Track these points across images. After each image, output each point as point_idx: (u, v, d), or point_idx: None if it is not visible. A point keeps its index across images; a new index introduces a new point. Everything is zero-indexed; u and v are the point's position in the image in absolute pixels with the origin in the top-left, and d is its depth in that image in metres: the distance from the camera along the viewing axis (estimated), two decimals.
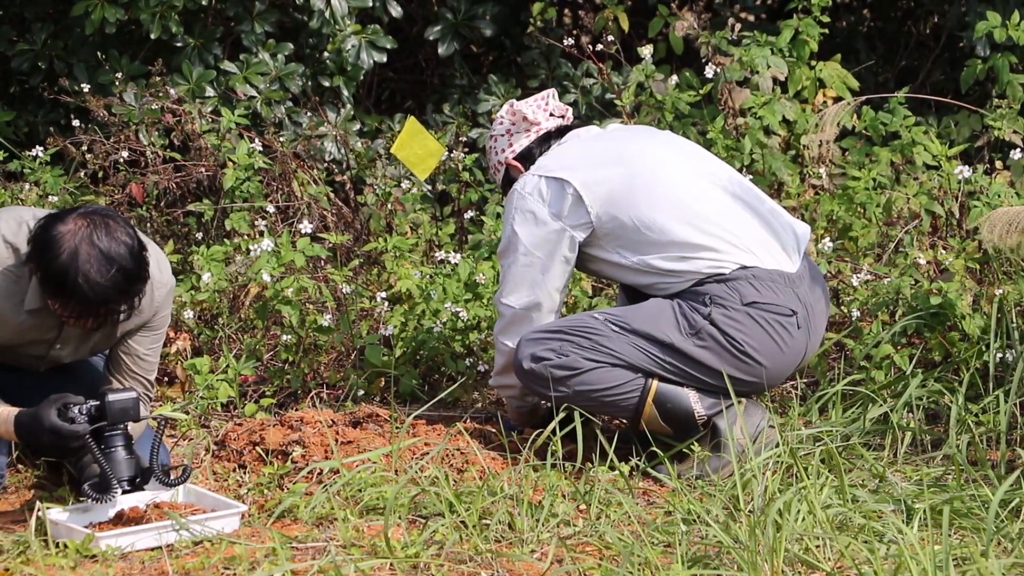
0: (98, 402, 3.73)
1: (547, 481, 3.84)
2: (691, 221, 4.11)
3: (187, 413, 4.51)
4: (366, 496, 3.78)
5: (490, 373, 4.80)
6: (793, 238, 4.18)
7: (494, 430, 4.26)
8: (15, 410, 3.77)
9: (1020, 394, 4.15)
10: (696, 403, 4.08)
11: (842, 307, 4.83)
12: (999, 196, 4.97)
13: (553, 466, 3.92)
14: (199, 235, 5.51)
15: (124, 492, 3.71)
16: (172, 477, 3.79)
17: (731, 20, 5.77)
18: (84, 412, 3.71)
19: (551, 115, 4.30)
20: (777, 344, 4.06)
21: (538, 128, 4.28)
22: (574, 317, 4.20)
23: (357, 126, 6.03)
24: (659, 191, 4.13)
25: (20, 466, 4.06)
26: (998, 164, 5.33)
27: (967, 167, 5.12)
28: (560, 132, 4.31)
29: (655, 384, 4.09)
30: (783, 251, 4.15)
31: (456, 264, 4.99)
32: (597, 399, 4.10)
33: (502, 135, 4.30)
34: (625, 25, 5.96)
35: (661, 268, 4.12)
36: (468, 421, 4.35)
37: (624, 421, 4.23)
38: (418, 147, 4.58)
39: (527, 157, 4.27)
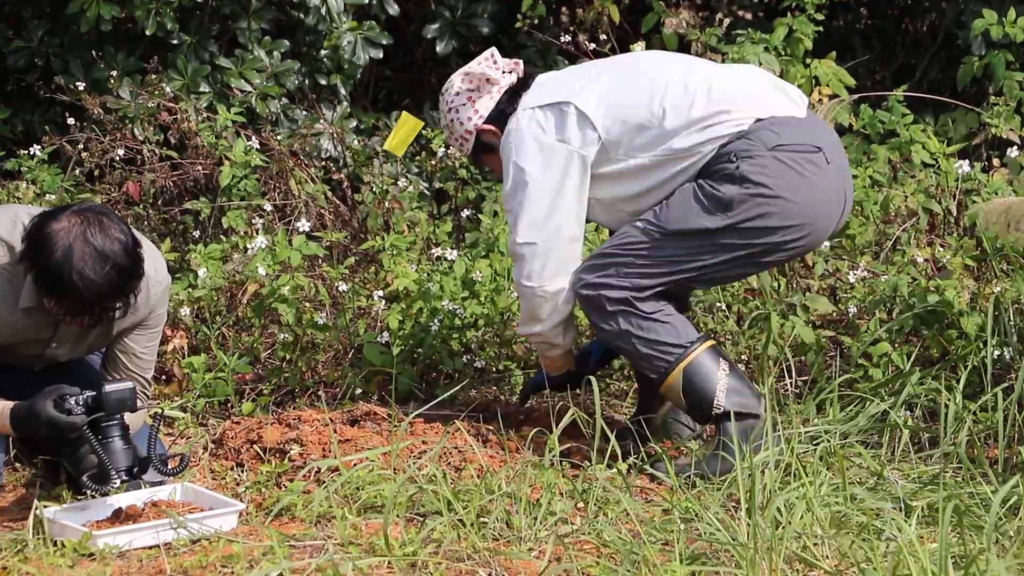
0: (94, 393, 3.73)
1: (545, 479, 3.84)
2: (697, 96, 4.03)
3: (184, 411, 4.53)
4: (364, 494, 3.79)
5: (488, 371, 4.81)
6: (791, 92, 4.14)
7: (491, 428, 4.27)
8: (11, 403, 3.78)
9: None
10: (721, 392, 4.02)
11: (839, 304, 4.85)
12: (997, 193, 4.99)
13: (551, 464, 3.93)
14: (196, 233, 5.53)
15: (123, 482, 3.72)
16: (170, 466, 3.79)
17: (720, 16, 5.78)
18: (81, 403, 3.72)
19: (503, 72, 4.20)
20: (808, 179, 3.99)
21: (499, 87, 4.18)
22: (617, 237, 4.11)
23: (354, 124, 6.06)
24: (656, 82, 4.07)
25: (17, 464, 4.07)
26: (995, 162, 5.36)
27: (965, 164, 5.12)
28: (523, 83, 4.20)
29: (693, 355, 4.03)
30: (790, 101, 4.09)
31: (453, 262, 4.99)
32: (636, 347, 4.07)
33: (463, 104, 4.20)
34: (616, 18, 5.97)
35: (684, 147, 4.03)
36: (466, 419, 4.33)
37: (649, 378, 4.20)
38: (404, 135, 4.52)
39: (498, 118, 4.17)
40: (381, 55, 6.13)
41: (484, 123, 4.17)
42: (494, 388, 4.74)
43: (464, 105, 4.19)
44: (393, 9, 6.16)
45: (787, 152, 3.99)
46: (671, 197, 4.07)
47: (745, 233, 3.99)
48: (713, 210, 3.99)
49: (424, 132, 5.53)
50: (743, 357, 4.78)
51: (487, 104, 4.18)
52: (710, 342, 4.07)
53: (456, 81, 4.20)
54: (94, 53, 5.99)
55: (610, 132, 4.03)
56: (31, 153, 5.65)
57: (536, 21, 6.11)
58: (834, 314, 4.80)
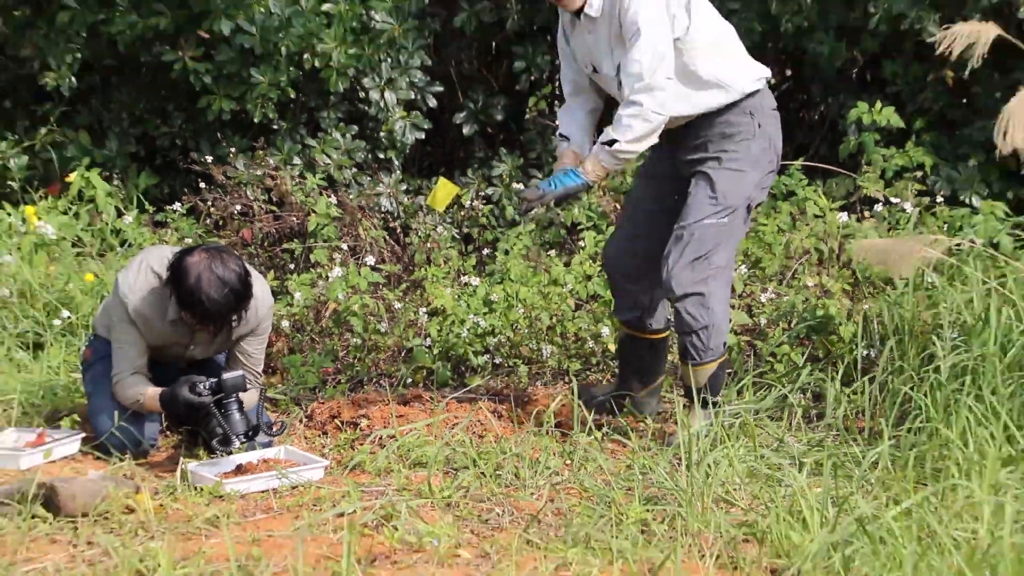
0: (216, 380, 3.80)
1: (542, 444, 3.88)
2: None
3: (285, 395, 4.55)
4: (414, 454, 3.85)
5: (503, 366, 4.77)
6: None
7: (505, 407, 4.27)
8: (158, 389, 3.85)
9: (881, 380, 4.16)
10: (723, 389, 3.97)
11: (754, 318, 4.85)
12: (866, 236, 5.00)
13: (547, 433, 3.96)
14: (292, 266, 5.54)
15: (242, 443, 3.77)
16: (274, 430, 3.89)
17: None
18: (207, 388, 3.79)
19: None
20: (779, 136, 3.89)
21: None
22: (699, 227, 3.77)
23: (404, 186, 6.07)
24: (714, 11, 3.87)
25: (167, 433, 4.13)
26: (866, 214, 5.36)
27: (844, 215, 5.16)
28: None
29: (726, 356, 3.93)
30: None
31: (476, 286, 5.01)
32: (703, 337, 3.83)
33: None
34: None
35: (742, 54, 3.83)
36: (486, 401, 4.36)
37: (633, 367, 4.07)
38: (444, 194, 4.49)
39: None
40: (423, 136, 6.13)
41: None
42: (506, 378, 4.72)
43: None
44: (432, 103, 6.15)
45: (776, 112, 3.91)
46: (732, 172, 3.79)
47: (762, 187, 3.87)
48: (753, 169, 3.80)
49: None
50: None
51: None
52: None
53: None
54: (218, 135, 6.04)
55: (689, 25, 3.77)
56: (174, 208, 5.71)
57: (537, 112, 6.16)
58: (749, 324, 4.81)
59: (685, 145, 3.90)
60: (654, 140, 3.77)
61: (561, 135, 3.98)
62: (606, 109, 4.08)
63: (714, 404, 3.92)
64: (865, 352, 4.39)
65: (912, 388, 3.90)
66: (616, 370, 4.41)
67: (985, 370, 3.77)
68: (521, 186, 5.96)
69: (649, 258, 3.96)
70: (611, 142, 3.73)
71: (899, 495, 3.26)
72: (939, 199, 5.42)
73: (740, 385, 4.32)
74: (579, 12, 3.81)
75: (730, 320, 4.05)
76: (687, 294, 3.81)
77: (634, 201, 4.15)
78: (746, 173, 3.84)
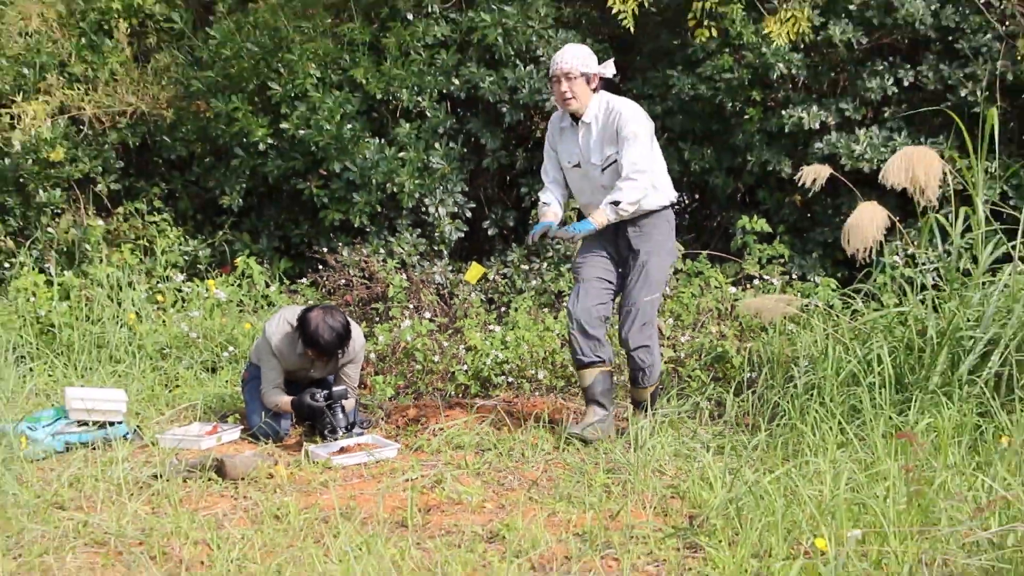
0: (328, 391, 3.79)
1: (539, 433, 3.85)
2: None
3: (372, 401, 4.52)
4: (455, 440, 3.81)
5: (514, 384, 4.72)
6: None
7: (515, 409, 4.21)
8: (290, 398, 3.84)
9: (760, 394, 4.12)
10: (656, 401, 3.92)
11: (676, 352, 4.81)
12: (747, 298, 5.01)
13: (542, 426, 3.93)
14: (377, 319, 5.53)
15: (343, 433, 3.75)
16: (364, 425, 3.86)
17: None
18: (322, 396, 3.77)
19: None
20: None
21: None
22: (646, 301, 3.72)
23: (450, 267, 6.06)
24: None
25: (295, 425, 4.10)
26: (749, 286, 5.39)
27: (734, 287, 5.17)
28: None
29: (659, 382, 3.90)
30: None
31: (496, 332, 4.98)
32: (648, 372, 3.80)
33: (593, 59, 3.73)
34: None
35: (671, 197, 3.83)
36: (503, 406, 4.32)
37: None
38: (475, 273, 4.41)
39: (593, 78, 3.73)
40: (463, 235, 6.11)
41: (594, 72, 3.72)
42: (516, 391, 4.68)
43: (593, 59, 3.72)
44: (468, 214, 6.14)
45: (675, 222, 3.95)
46: (650, 272, 3.75)
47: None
48: (669, 258, 3.78)
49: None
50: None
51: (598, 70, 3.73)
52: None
53: (585, 52, 3.72)
54: (331, 235, 6.01)
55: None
56: (302, 282, 5.70)
57: (536, 221, 6.15)
58: (674, 357, 4.76)
59: (628, 231, 3.92)
60: (637, 206, 3.73)
61: (544, 203, 4.01)
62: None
63: (652, 410, 3.91)
64: (749, 374, 4.38)
65: (779, 397, 3.89)
66: (595, 405, 4.05)
67: (826, 386, 3.76)
68: (525, 265, 5.96)
69: (605, 310, 3.98)
70: (615, 202, 3.72)
71: (772, 467, 3.25)
72: (794, 277, 5.45)
73: (668, 396, 4.30)
74: (576, 118, 3.78)
75: (661, 355, 4.02)
76: (639, 347, 3.84)
77: (589, 276, 4.00)
78: (666, 261, 3.85)
